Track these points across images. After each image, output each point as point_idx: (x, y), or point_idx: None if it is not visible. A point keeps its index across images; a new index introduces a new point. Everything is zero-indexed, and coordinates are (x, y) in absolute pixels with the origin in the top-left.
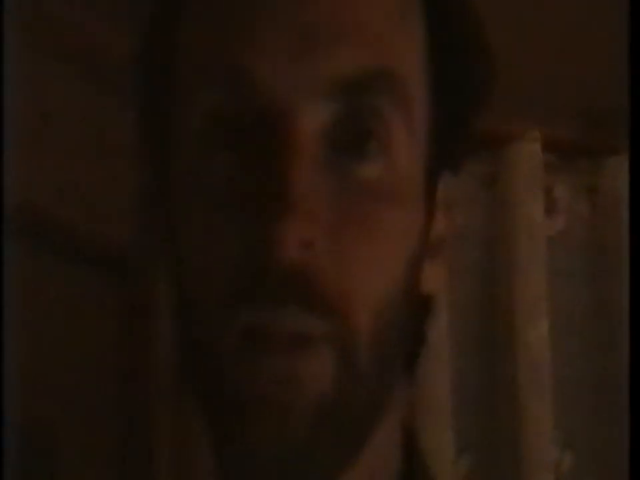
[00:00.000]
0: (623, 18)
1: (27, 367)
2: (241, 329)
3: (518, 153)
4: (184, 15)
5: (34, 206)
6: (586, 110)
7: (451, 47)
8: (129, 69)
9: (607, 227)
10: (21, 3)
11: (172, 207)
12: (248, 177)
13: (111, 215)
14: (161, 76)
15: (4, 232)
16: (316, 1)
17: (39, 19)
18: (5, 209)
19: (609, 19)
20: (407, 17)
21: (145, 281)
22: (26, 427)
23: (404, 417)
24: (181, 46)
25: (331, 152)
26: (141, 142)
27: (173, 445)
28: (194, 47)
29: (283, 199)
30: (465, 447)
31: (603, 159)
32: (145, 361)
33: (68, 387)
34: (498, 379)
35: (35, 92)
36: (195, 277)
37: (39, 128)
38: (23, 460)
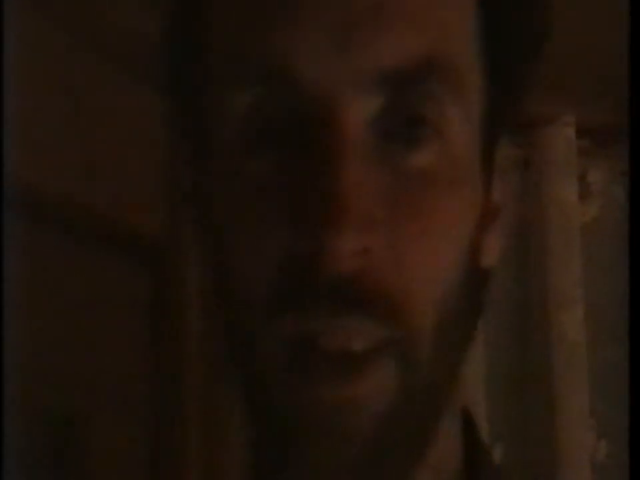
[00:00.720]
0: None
1: (38, 355)
2: (288, 340)
3: (552, 137)
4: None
5: (36, 185)
6: (619, 95)
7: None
8: (158, 55)
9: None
10: None
11: (212, 205)
12: (293, 176)
13: (135, 203)
14: (195, 65)
15: (9, 215)
16: None
17: None
18: (9, 191)
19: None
20: None
21: (168, 270)
22: (41, 415)
23: (462, 402)
24: (215, 36)
25: (381, 142)
26: (179, 135)
27: (204, 450)
28: (228, 40)
29: (334, 199)
30: (497, 438)
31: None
32: (169, 352)
33: (85, 376)
34: (532, 366)
35: (47, 68)
36: (236, 279)
37: (45, 105)
38: (44, 451)
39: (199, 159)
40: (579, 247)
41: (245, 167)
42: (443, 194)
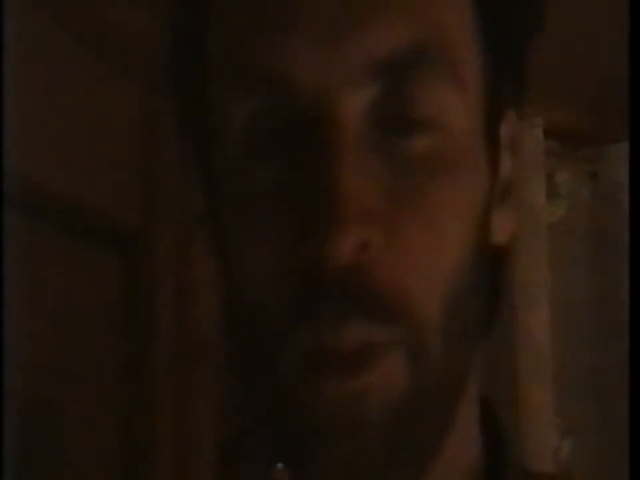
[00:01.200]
0: (625, 6)
1: (28, 345)
2: (302, 348)
3: (519, 138)
4: (212, 14)
5: (36, 183)
6: (588, 98)
7: None
8: (160, 58)
9: (608, 213)
10: None
11: (223, 222)
12: (296, 178)
13: (118, 196)
14: (197, 67)
15: (5, 208)
16: None
17: None
18: (6, 184)
19: (612, 6)
20: None
21: (149, 263)
22: (29, 405)
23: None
24: (212, 42)
25: (378, 132)
26: (182, 135)
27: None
28: (225, 45)
29: (335, 195)
30: None
31: (604, 146)
32: (146, 343)
33: (68, 367)
34: (497, 365)
35: (40, 65)
36: (244, 280)
37: (44, 104)
38: (26, 439)
39: (206, 177)
40: (546, 246)
41: (249, 179)
42: (444, 181)
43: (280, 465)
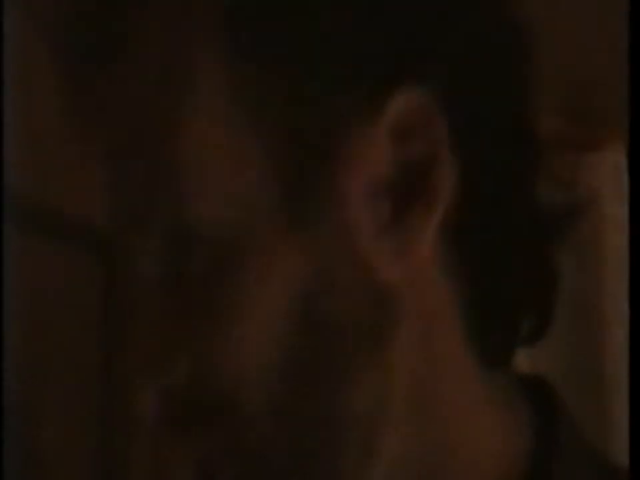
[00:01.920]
0: (615, 12)
1: (19, 349)
2: None
3: None
4: None
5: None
6: (568, 106)
7: None
8: None
9: (589, 220)
10: None
11: None
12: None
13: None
14: None
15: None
16: None
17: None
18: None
19: (600, 12)
20: None
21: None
22: (9, 407)
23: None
24: None
25: None
26: None
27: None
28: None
29: None
30: None
31: (585, 153)
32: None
33: (53, 370)
34: None
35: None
36: None
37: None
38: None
39: None
40: None
41: None
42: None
43: None
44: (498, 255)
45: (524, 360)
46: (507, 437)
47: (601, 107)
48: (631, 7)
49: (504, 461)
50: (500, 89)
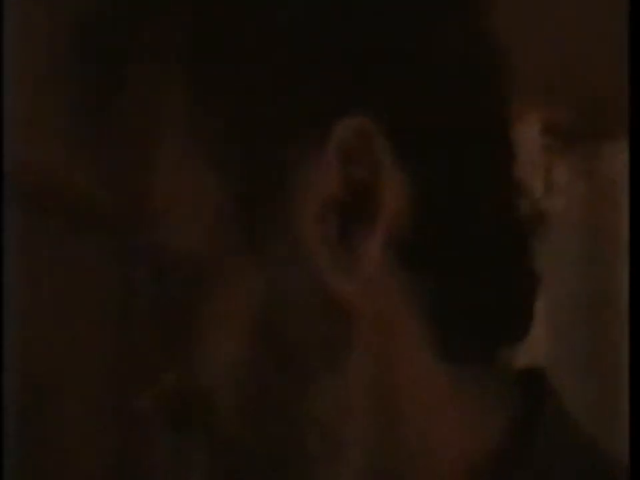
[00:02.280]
0: (624, 5)
1: (27, 330)
2: None
3: (516, 134)
4: None
5: (37, 170)
6: (585, 95)
7: None
8: None
9: (604, 210)
10: None
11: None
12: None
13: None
14: None
15: (5, 197)
16: None
17: None
18: (6, 172)
19: (611, 5)
20: None
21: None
22: (27, 393)
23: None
24: None
25: None
26: None
27: None
28: None
29: None
30: None
31: (601, 143)
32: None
33: (67, 351)
34: None
35: (36, 54)
36: None
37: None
38: (24, 425)
39: None
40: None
41: None
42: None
43: None
44: (461, 261)
45: (524, 356)
46: (476, 432)
47: (612, 96)
48: (631, 7)
49: (472, 456)
50: (459, 104)
